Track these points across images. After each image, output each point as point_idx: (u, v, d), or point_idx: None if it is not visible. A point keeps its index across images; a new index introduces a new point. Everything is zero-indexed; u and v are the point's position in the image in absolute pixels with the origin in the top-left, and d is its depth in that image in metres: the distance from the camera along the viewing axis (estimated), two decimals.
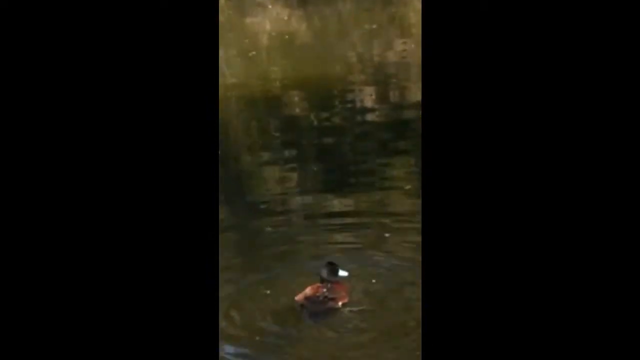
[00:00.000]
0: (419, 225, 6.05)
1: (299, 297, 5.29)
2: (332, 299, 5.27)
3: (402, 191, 7.15)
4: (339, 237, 6.42)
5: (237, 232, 6.61)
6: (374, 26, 13.47)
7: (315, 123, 9.36)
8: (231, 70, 11.82)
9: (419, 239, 5.86)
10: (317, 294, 5.28)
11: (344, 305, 5.30)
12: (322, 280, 5.39)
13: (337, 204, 7.07)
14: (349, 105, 9.96)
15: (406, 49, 12.16)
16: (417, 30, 13.15)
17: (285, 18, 14.24)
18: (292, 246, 6.29)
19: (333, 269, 5.44)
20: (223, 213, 6.68)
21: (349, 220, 6.69)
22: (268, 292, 5.50)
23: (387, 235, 6.24)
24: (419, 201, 6.55)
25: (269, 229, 6.61)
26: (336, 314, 5.24)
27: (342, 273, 5.46)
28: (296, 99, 10.42)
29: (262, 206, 7.11)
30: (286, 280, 5.66)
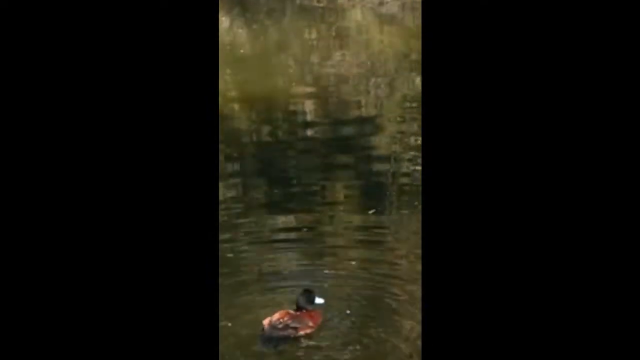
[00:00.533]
0: (367, 238, 6.40)
1: (265, 321, 5.26)
2: (293, 328, 5.22)
3: (343, 206, 7.25)
4: (285, 255, 6.42)
5: None
6: (314, 37, 13.56)
7: (255, 138, 9.46)
8: None
9: (367, 254, 6.17)
10: (280, 320, 5.24)
11: (306, 336, 5.25)
12: (298, 308, 5.36)
13: (281, 220, 7.09)
14: (291, 118, 10.06)
15: (344, 59, 12.28)
16: (353, 41, 13.32)
17: (226, 27, 14.26)
18: (238, 269, 6.21)
19: (309, 296, 5.41)
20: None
21: (293, 236, 6.74)
22: (229, 324, 5.36)
23: (353, 262, 6.22)
24: (361, 216, 6.89)
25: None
26: (292, 344, 5.17)
27: (318, 300, 5.42)
28: (237, 109, 10.46)
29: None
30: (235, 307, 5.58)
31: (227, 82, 11.58)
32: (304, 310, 5.34)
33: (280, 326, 5.23)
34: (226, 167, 8.42)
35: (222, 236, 6.72)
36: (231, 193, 7.72)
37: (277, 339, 5.20)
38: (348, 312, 5.48)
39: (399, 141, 8.64)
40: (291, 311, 5.33)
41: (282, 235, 6.81)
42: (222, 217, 7.10)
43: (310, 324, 5.29)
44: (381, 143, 8.74)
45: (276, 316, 5.26)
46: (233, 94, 10.98)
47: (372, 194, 7.42)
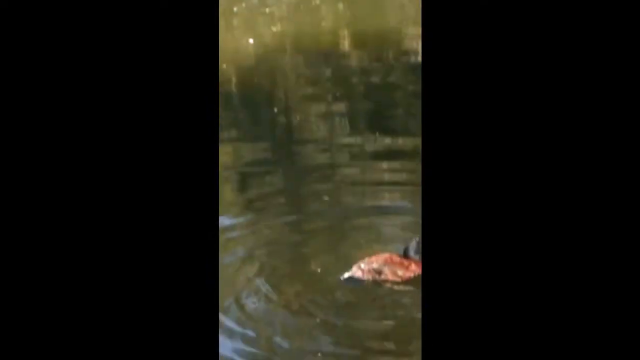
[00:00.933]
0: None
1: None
2: (378, 272, 5.00)
3: None
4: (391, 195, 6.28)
5: (287, 195, 6.45)
6: None
7: (365, 79, 9.25)
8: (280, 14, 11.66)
9: None
10: (371, 261, 5.04)
11: (392, 284, 4.97)
12: (405, 255, 5.08)
13: (386, 165, 6.95)
14: (403, 58, 9.81)
15: None
16: None
17: None
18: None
19: (419, 248, 5.05)
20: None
21: (398, 178, 6.61)
22: (319, 270, 5.21)
23: None
24: None
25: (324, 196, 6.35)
26: (373, 288, 4.96)
27: None
28: (346, 42, 10.28)
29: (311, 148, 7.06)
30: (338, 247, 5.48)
31: (339, 17, 11.40)
32: (408, 259, 5.06)
33: (364, 268, 5.02)
34: (333, 107, 8.28)
35: (319, 178, 6.71)
36: (338, 137, 7.59)
37: (356, 281, 4.97)
38: None
39: None
40: (395, 256, 5.08)
41: (386, 177, 6.65)
42: (325, 159, 7.00)
43: (400, 273, 5.01)
44: None
45: (373, 258, 5.05)
46: (344, 30, 10.79)
47: None
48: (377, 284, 4.96)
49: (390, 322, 4.67)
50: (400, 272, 5.01)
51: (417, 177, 6.36)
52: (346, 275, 5.00)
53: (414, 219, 5.75)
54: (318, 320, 4.63)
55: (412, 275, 5.01)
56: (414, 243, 5.08)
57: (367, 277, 4.99)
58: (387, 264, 5.01)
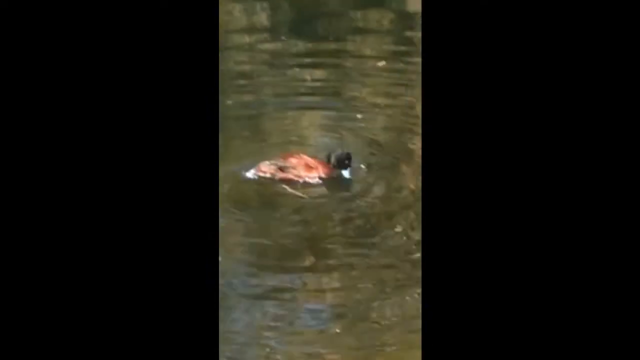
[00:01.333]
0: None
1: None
2: (280, 169, 4.96)
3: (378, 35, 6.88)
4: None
5: None
6: None
7: None
8: None
9: (395, 90, 5.83)
10: (275, 160, 5.01)
11: (287, 182, 4.95)
12: (328, 160, 5.00)
13: (305, 46, 6.74)
14: None
15: None
16: None
17: None
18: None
19: (342, 159, 4.99)
20: None
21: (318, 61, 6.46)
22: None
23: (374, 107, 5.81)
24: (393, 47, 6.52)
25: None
26: (267, 183, 4.96)
27: (346, 173, 4.99)
28: None
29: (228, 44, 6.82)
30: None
31: None
32: (319, 161, 5.00)
33: (269, 164, 4.98)
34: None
35: (240, 58, 6.51)
36: (258, 18, 7.35)
37: (256, 173, 4.98)
38: (362, 166, 5.11)
39: None
40: (307, 157, 5.01)
41: (307, 60, 6.47)
42: (244, 40, 6.77)
43: (302, 173, 4.96)
44: None
45: (281, 156, 5.02)
46: None
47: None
48: (274, 181, 4.95)
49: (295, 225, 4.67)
50: (302, 172, 4.96)
51: (343, 62, 6.30)
52: (250, 172, 4.98)
53: (337, 113, 5.66)
54: (223, 224, 4.50)
55: (313, 176, 4.99)
56: (340, 153, 4.99)
57: (268, 174, 4.96)
58: (292, 164, 4.98)
